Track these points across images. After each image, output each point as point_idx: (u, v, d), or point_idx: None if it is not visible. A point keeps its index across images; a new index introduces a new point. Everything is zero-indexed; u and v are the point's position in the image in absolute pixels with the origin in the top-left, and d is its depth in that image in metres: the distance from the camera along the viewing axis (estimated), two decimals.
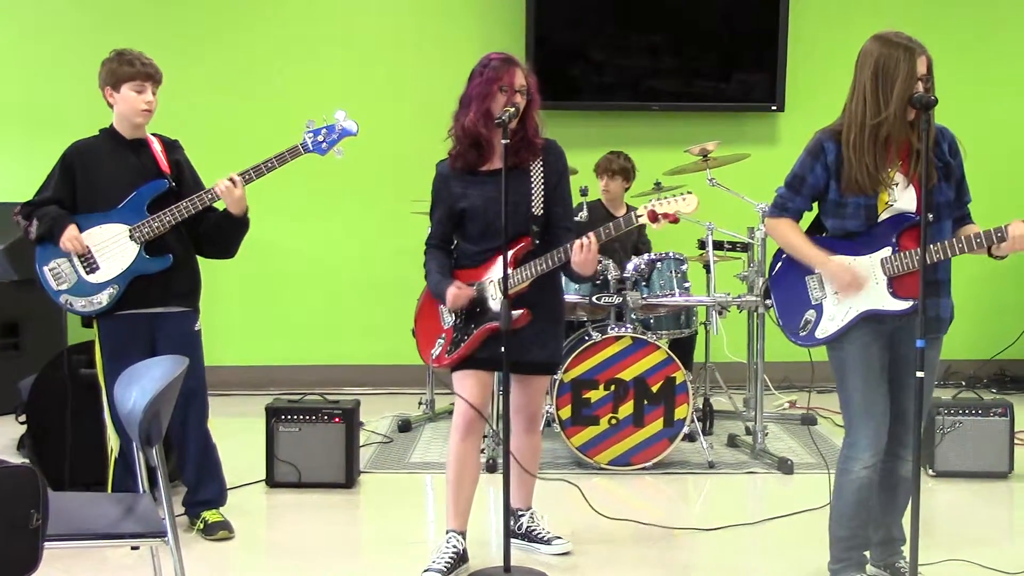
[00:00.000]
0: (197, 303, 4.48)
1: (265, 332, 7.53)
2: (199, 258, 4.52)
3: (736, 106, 7.51)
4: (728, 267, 6.32)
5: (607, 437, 5.35)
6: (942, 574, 3.97)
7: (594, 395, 5.33)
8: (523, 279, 3.90)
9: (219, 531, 4.42)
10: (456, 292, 3.94)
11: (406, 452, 5.82)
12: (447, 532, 4.06)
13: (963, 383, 7.04)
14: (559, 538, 4.29)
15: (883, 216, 3.55)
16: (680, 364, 5.37)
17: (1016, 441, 5.32)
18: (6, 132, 7.35)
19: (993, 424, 5.22)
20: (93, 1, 7.35)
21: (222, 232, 4.42)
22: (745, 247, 5.96)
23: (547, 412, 5.33)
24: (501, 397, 4.32)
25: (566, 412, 5.33)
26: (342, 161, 7.57)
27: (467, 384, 4.00)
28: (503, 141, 3.68)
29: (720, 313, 5.76)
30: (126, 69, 4.27)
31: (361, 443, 5.45)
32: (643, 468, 5.36)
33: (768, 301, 5.36)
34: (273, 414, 5.09)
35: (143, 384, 3.09)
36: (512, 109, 3.78)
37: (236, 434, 5.76)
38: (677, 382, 5.34)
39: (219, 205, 4.38)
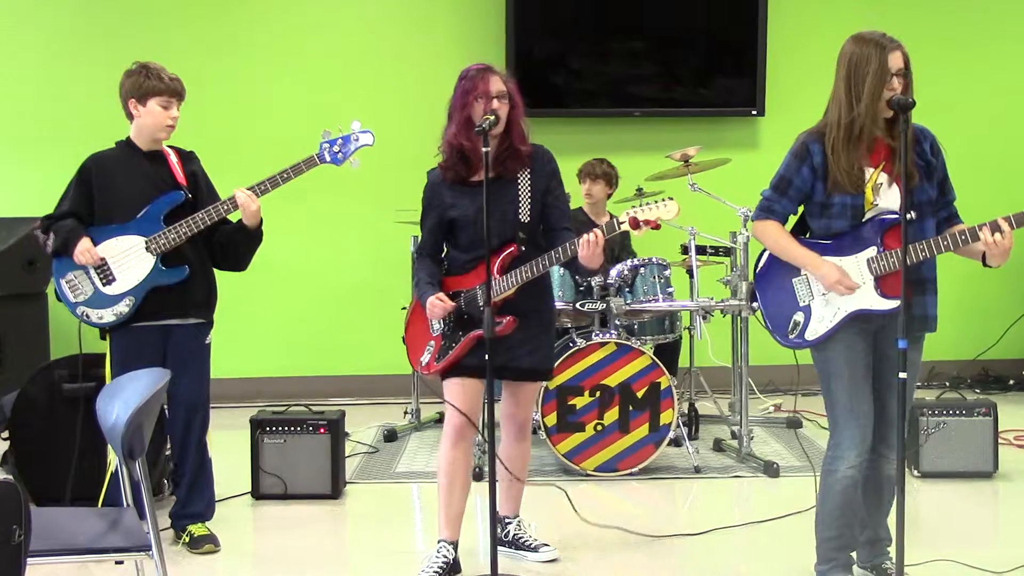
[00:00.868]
0: (212, 314, 4.48)
1: (249, 344, 7.50)
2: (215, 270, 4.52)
3: (717, 111, 7.53)
4: (711, 272, 6.33)
5: (593, 443, 5.34)
6: (928, 574, 3.98)
7: (579, 402, 5.33)
8: (510, 285, 3.91)
9: (205, 545, 4.40)
10: (433, 302, 3.94)
11: (392, 462, 5.81)
12: (438, 541, 4.05)
13: (947, 384, 7.07)
14: (546, 545, 4.29)
15: (868, 216, 3.57)
16: (665, 369, 5.37)
17: (1000, 441, 5.34)
18: None
19: (977, 424, 5.24)
20: (88, 17, 7.33)
21: (235, 244, 4.42)
22: (728, 251, 5.97)
23: (533, 419, 5.33)
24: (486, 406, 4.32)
25: (551, 419, 5.33)
26: (326, 173, 7.56)
27: (457, 392, 4.00)
28: (484, 149, 3.68)
29: (704, 318, 5.77)
30: (155, 84, 4.27)
31: (347, 454, 5.43)
32: (629, 474, 5.36)
33: (755, 304, 5.38)
34: (258, 426, 5.08)
35: (125, 397, 3.07)
36: (492, 118, 3.78)
37: (221, 446, 5.71)
38: (662, 387, 5.34)
39: (233, 216, 4.37)
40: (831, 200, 3.56)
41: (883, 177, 3.55)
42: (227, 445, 5.63)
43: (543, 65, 7.47)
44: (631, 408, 5.33)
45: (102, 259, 4.27)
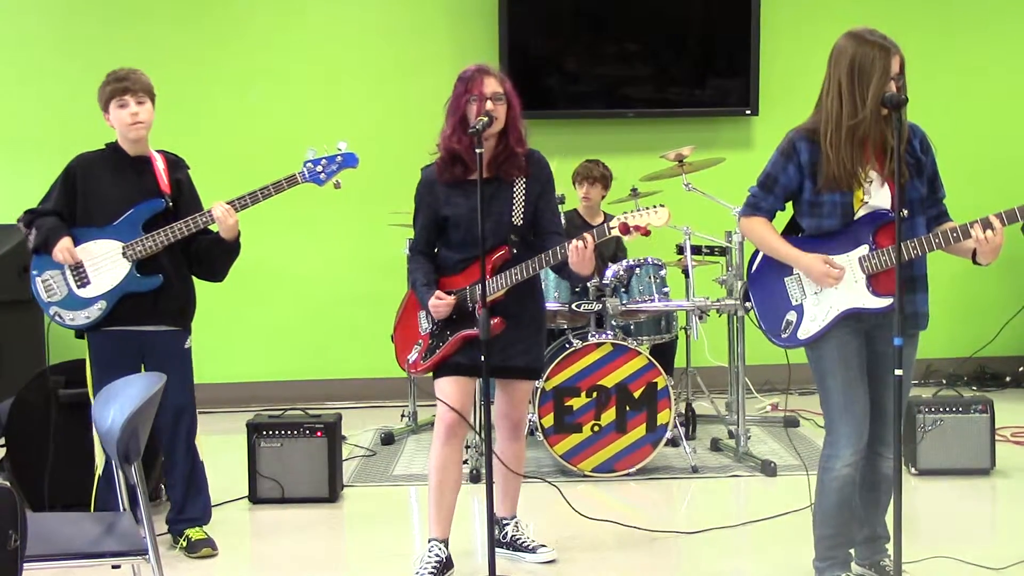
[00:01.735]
0: (188, 323, 4.46)
1: (245, 348, 7.49)
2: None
3: (710, 111, 7.53)
4: (706, 271, 6.33)
5: (590, 444, 5.34)
6: (926, 571, 3.98)
7: (576, 402, 5.33)
8: (499, 287, 3.91)
9: (202, 548, 4.39)
10: (435, 303, 3.94)
11: (389, 465, 5.80)
12: (429, 541, 4.05)
13: (943, 381, 7.07)
14: (544, 546, 4.29)
15: (859, 214, 3.57)
16: (661, 369, 5.37)
17: (997, 438, 5.35)
18: None
19: (974, 421, 5.24)
20: (71, 23, 7.32)
21: (212, 256, 4.40)
22: (723, 251, 5.97)
23: (529, 420, 5.33)
24: (483, 406, 4.32)
25: (548, 420, 5.32)
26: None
27: (448, 390, 4.01)
28: (477, 150, 3.67)
29: (700, 317, 5.78)
30: (107, 88, 4.28)
31: (344, 457, 5.42)
32: (627, 474, 5.36)
33: (748, 304, 5.38)
34: (254, 430, 5.07)
35: (121, 401, 3.07)
36: (485, 119, 3.77)
37: (218, 451, 5.72)
38: (659, 387, 5.34)
39: (214, 227, 4.36)
40: (820, 199, 3.56)
41: (873, 175, 3.55)
42: (224, 449, 5.63)
43: (536, 67, 7.46)
44: (628, 408, 5.33)
45: (79, 260, 4.26)
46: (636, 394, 5.33)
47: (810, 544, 3.78)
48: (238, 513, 4.99)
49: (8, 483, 4.87)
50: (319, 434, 5.05)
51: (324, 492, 5.07)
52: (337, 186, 4.38)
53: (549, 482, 4.84)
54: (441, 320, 4.01)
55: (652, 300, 5.64)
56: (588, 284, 5.52)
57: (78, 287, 4.29)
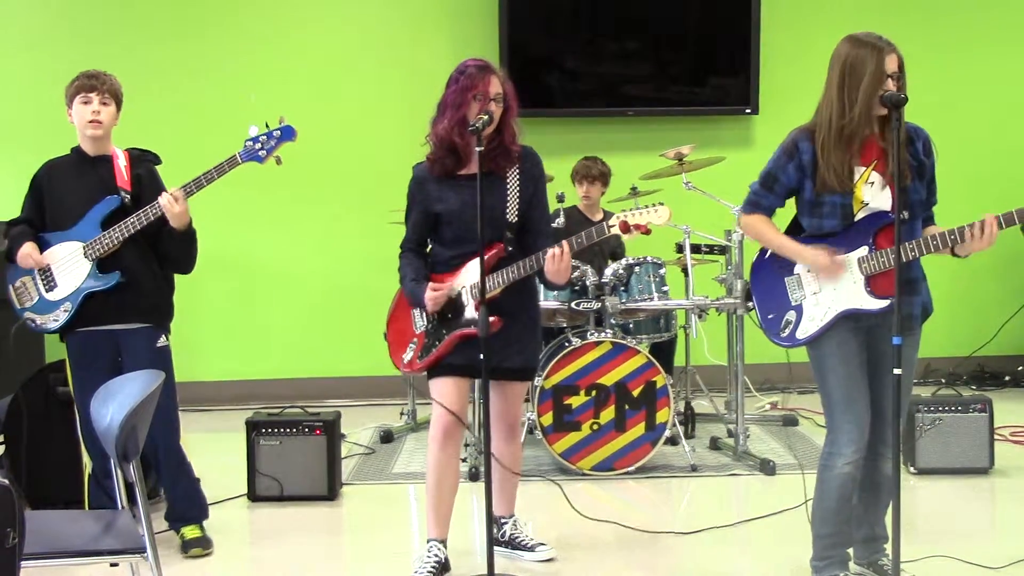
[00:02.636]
0: (161, 320, 4.39)
1: (244, 347, 7.49)
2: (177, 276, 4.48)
3: (710, 110, 7.53)
4: (706, 270, 6.33)
5: (589, 443, 5.34)
6: (925, 570, 3.97)
7: (575, 401, 5.33)
8: (495, 285, 3.90)
9: (193, 548, 4.38)
10: (433, 295, 3.93)
11: (388, 463, 5.80)
12: (428, 541, 4.05)
13: (942, 380, 7.06)
14: (542, 544, 4.28)
15: (859, 216, 3.57)
16: (660, 368, 5.37)
17: (996, 437, 5.35)
18: None
19: (973, 420, 5.24)
20: (67, 21, 7.31)
21: (168, 248, 4.34)
22: (723, 250, 5.97)
23: (529, 419, 5.33)
24: (481, 405, 4.32)
25: (547, 419, 5.32)
26: (315, 172, 7.58)
27: (444, 391, 4.00)
28: (477, 148, 3.67)
29: (699, 316, 5.78)
30: (75, 84, 4.27)
31: (343, 455, 5.42)
32: (626, 473, 5.36)
33: (750, 303, 5.39)
34: (253, 428, 5.06)
35: (119, 400, 3.07)
36: (485, 117, 3.76)
37: (217, 449, 5.73)
38: (658, 386, 5.34)
39: None
40: (821, 199, 3.56)
41: (875, 176, 3.55)
42: (223, 447, 5.63)
43: (536, 65, 7.46)
44: (627, 407, 5.33)
45: (47, 264, 4.27)
46: (635, 393, 5.33)
47: (809, 543, 3.78)
48: (237, 511, 4.99)
49: (7, 480, 4.88)
50: (318, 432, 5.05)
51: (323, 490, 5.06)
52: (278, 162, 4.26)
53: (551, 480, 4.83)
54: (436, 318, 4.00)
55: (651, 299, 5.64)
56: (588, 283, 5.53)
57: (47, 291, 4.31)
